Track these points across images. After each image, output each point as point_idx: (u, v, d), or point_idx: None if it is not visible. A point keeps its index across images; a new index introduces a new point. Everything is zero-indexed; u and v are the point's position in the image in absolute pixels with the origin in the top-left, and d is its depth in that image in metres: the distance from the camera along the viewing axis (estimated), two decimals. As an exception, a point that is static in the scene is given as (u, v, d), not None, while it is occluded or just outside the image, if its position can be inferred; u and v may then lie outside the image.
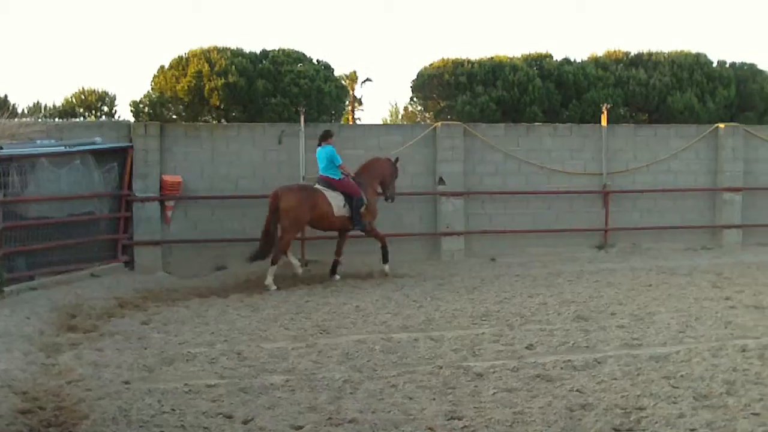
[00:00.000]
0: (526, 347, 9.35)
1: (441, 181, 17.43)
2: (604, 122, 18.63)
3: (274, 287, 14.26)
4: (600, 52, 26.15)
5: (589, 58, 25.69)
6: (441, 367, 8.36)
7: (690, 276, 14.82)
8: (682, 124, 20.41)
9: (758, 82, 25.75)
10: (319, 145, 15.40)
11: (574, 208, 18.27)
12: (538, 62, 24.84)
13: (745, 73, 25.83)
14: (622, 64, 25.32)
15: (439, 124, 18.04)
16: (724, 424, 6.54)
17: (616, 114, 22.90)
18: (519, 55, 25.15)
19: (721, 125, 19.36)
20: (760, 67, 26.31)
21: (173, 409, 7.06)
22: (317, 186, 15.15)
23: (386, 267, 15.61)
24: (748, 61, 27.07)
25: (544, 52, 25.44)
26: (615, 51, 26.14)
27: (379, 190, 15.90)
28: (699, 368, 8.26)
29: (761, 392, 7.37)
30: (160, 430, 6.59)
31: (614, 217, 18.39)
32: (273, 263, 14.59)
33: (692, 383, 7.72)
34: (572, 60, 25.30)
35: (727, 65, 26.02)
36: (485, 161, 17.82)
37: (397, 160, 16.22)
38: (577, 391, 7.53)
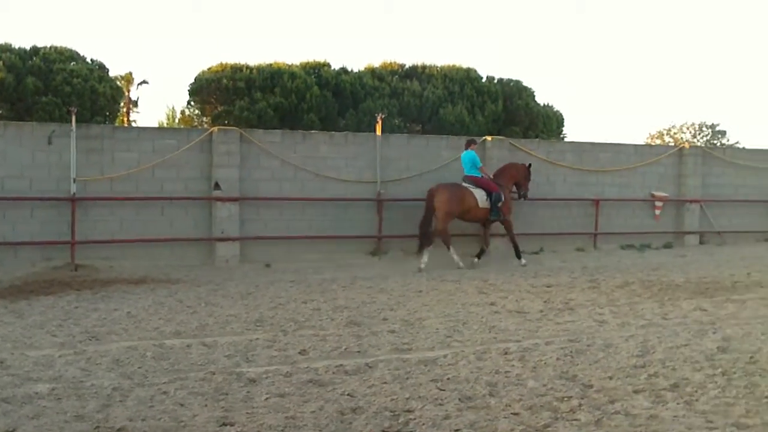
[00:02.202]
0: (300, 352, 9.41)
1: (217, 186, 17.30)
2: (378, 131, 19.02)
3: (422, 266, 17.19)
4: (376, 63, 26.76)
5: (365, 68, 26.22)
6: (213, 373, 8.30)
7: (458, 282, 15.33)
8: (452, 136, 21.12)
9: (523, 98, 27.07)
10: (465, 149, 18.33)
11: (348, 215, 18.56)
12: (317, 71, 25.15)
13: (511, 89, 27.09)
14: (397, 76, 26.00)
15: (215, 128, 17.89)
16: (486, 424, 6.81)
17: (391, 124, 23.44)
18: (298, 63, 25.35)
19: (489, 138, 20.21)
20: (525, 83, 27.67)
21: (-74, 423, 6.69)
22: (464, 184, 17.98)
23: (522, 261, 18.30)
24: (515, 77, 28.36)
25: (322, 60, 25.77)
26: (391, 63, 26.80)
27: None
28: (464, 371, 8.56)
29: (521, 393, 7.73)
30: None
31: (387, 225, 18.80)
32: (424, 246, 17.53)
33: (458, 385, 7.99)
34: (349, 70, 25.74)
35: (496, 81, 27.20)
36: (261, 167, 17.83)
37: (530, 165, 19.15)
38: (348, 395, 7.65)
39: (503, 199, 18.10)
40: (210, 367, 8.61)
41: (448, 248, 17.71)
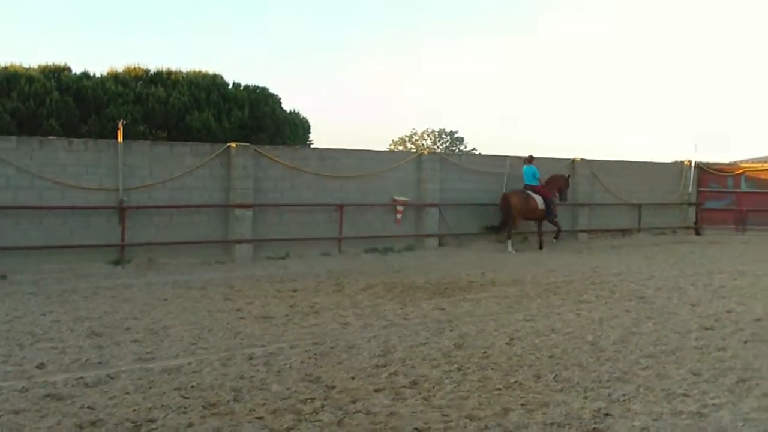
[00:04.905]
0: (37, 366, 9.10)
1: (-53, 194, 16.44)
2: (120, 138, 18.58)
3: (513, 251, 22.86)
4: (120, 68, 26.18)
5: (109, 73, 25.60)
6: (-59, 393, 7.93)
7: (204, 289, 15.26)
8: (197, 143, 20.94)
9: (270, 104, 27.29)
10: (526, 164, 24.06)
11: (89, 224, 17.98)
12: (56, 75, 24.30)
13: (258, 95, 27.22)
14: (142, 81, 25.55)
15: (-56, 134, 16.94)
16: (230, 430, 6.90)
17: (136, 130, 23.01)
18: (36, 66, 24.43)
19: (234, 144, 20.15)
20: (272, 90, 27.89)
21: None
22: (526, 191, 23.65)
23: (554, 241, 24.38)
24: (261, 84, 28.54)
25: (62, 64, 24.95)
26: (135, 68, 26.31)
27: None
28: (209, 378, 8.60)
29: (265, 397, 7.87)
30: None
31: (131, 233, 18.38)
32: (508, 237, 23.22)
33: (202, 393, 8.02)
34: (92, 74, 25.06)
35: (242, 87, 27.26)
36: (-5, 175, 17.04)
37: (569, 176, 25.55)
38: (88, 408, 7.50)
39: (553, 202, 23.87)
40: (-64, 387, 8.20)
41: (511, 234, 23.26)
